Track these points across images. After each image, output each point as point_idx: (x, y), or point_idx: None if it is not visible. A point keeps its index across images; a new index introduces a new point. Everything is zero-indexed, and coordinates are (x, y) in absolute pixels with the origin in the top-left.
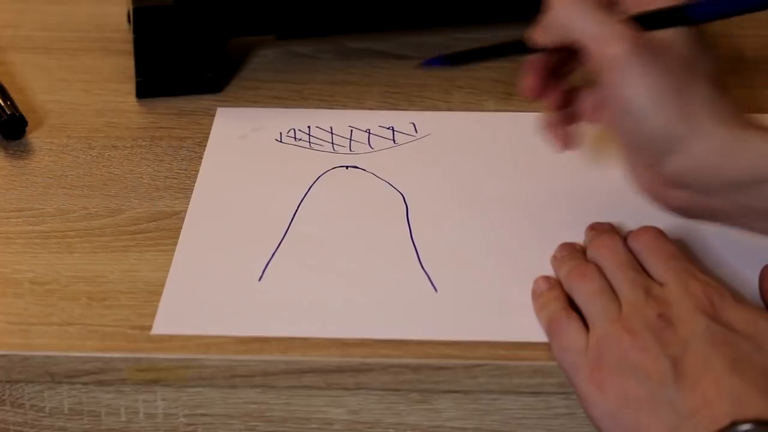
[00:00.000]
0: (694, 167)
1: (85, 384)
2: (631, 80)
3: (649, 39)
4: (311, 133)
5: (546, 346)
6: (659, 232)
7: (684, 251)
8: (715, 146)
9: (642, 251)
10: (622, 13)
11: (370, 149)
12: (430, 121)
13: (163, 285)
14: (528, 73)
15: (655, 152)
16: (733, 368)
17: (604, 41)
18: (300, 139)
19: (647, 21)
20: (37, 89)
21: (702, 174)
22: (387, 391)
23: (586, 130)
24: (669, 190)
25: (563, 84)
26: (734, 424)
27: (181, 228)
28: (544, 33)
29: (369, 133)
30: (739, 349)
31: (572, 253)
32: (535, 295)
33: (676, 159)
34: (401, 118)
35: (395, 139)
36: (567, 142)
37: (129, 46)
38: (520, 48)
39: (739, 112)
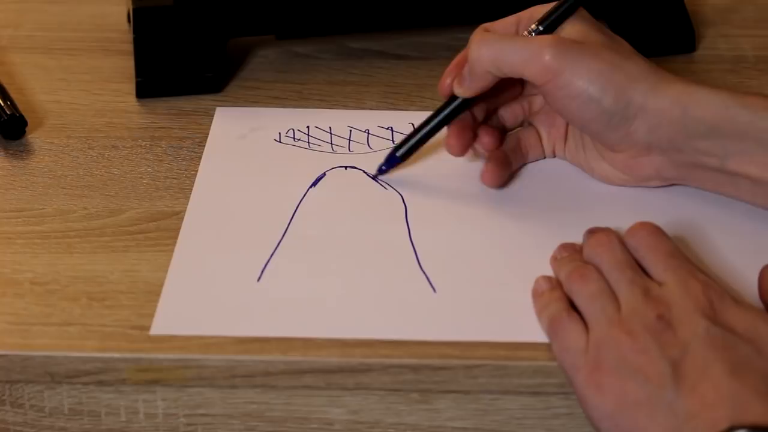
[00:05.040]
0: (657, 125)
1: (85, 384)
2: (572, 75)
3: (566, 38)
4: (310, 134)
5: (546, 347)
6: (656, 228)
7: (683, 250)
8: (669, 102)
9: (639, 248)
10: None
11: (369, 149)
12: None
13: (163, 285)
14: (451, 134)
15: (621, 125)
16: (732, 372)
17: (535, 58)
18: (299, 140)
19: (552, 23)
20: (37, 89)
21: (666, 130)
22: (387, 391)
23: None
24: (642, 159)
25: (492, 128)
26: (733, 428)
27: (180, 228)
28: (472, 80)
29: (368, 133)
30: (738, 353)
31: (572, 254)
32: (536, 295)
33: (640, 123)
34: (400, 119)
35: (394, 139)
36: (500, 181)
37: (129, 46)
38: (460, 108)
39: (674, 75)
